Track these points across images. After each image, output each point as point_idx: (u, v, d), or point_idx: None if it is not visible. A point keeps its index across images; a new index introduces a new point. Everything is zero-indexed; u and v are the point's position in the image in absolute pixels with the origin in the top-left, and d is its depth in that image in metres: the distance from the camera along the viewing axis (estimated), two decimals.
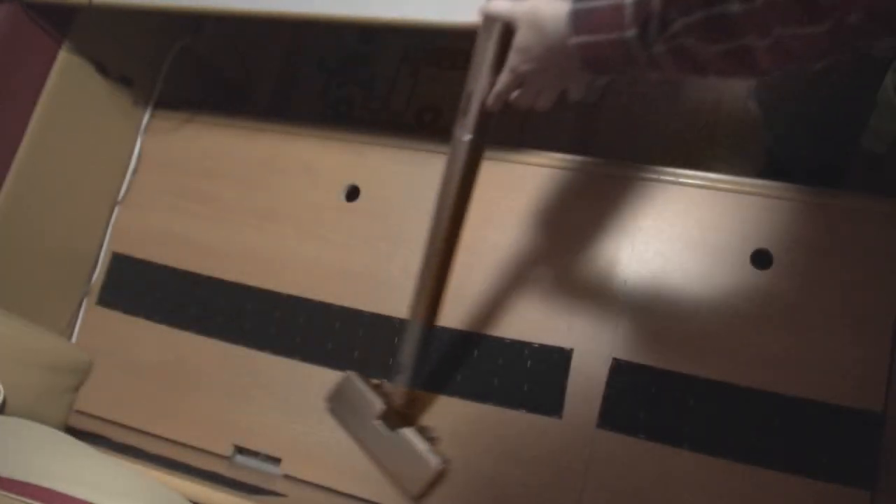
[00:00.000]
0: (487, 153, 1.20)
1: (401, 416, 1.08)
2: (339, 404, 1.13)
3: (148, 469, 0.94)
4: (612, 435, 1.03)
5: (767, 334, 1.01)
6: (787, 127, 1.09)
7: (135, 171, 1.42)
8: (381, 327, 1.17)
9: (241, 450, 1.21)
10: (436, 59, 1.79)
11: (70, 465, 0.80)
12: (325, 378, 1.17)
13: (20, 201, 1.23)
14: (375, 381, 1.12)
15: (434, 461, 1.04)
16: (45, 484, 0.72)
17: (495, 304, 1.13)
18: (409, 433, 1.06)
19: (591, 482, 1.02)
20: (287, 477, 1.16)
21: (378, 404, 1.08)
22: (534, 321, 1.11)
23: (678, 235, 1.09)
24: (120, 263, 1.38)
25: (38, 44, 1.23)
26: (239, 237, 1.30)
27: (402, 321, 1.16)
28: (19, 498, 0.70)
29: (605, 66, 0.69)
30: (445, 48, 1.79)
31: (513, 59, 0.77)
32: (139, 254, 1.36)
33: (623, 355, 1.06)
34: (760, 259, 1.04)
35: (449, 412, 1.11)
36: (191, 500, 0.88)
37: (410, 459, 1.05)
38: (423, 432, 1.08)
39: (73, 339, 1.36)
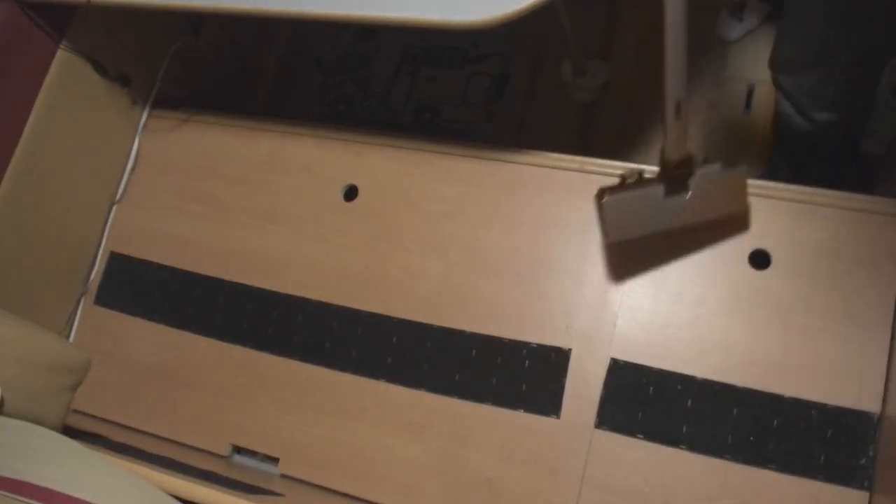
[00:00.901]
0: (487, 153, 1.21)
1: (678, 169, 0.99)
2: (621, 226, 1.04)
3: (145, 469, 0.94)
4: (610, 435, 1.03)
5: (765, 335, 1.01)
6: (808, 99, 1.09)
7: (133, 170, 1.42)
8: (380, 327, 1.17)
9: (238, 449, 1.21)
10: (434, 59, 1.79)
11: (65, 466, 0.80)
12: (324, 378, 1.17)
13: (18, 200, 1.23)
14: (623, 175, 1.04)
15: (735, 172, 1.00)
16: (42, 485, 0.72)
17: (494, 304, 1.13)
18: (698, 179, 0.99)
19: (588, 482, 1.02)
20: (285, 476, 1.16)
21: (656, 186, 1.00)
22: (532, 321, 1.11)
23: (676, 235, 1.09)
24: (118, 263, 1.38)
25: (36, 43, 1.22)
26: (237, 237, 1.30)
27: (400, 320, 1.16)
28: (18, 497, 0.70)
29: None
30: (444, 47, 1.79)
31: None
32: (137, 253, 1.36)
33: (621, 355, 1.06)
34: (759, 259, 1.05)
35: (447, 412, 1.11)
36: (188, 500, 0.87)
37: (718, 192, 1.00)
38: (703, 164, 1.00)
39: (71, 339, 1.35)
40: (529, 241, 1.14)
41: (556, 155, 1.18)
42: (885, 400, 0.94)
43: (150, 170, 1.41)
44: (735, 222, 1.04)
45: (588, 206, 1.13)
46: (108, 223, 1.40)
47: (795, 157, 1.23)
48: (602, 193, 1.01)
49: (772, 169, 1.32)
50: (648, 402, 1.03)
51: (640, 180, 1.02)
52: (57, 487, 0.72)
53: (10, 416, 0.94)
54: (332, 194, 1.27)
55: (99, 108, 1.36)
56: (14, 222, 1.23)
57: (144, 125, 1.44)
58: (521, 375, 1.09)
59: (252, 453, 1.20)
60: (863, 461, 0.93)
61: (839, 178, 1.25)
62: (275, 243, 1.27)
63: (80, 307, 1.37)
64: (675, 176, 0.99)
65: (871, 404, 0.95)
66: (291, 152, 1.32)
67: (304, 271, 1.24)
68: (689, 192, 0.99)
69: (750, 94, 1.53)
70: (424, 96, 1.77)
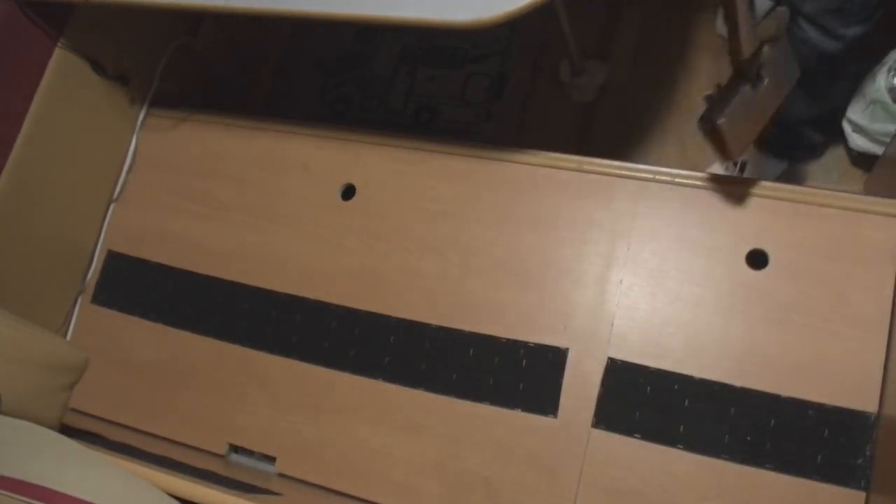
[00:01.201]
0: (486, 153, 1.21)
1: (751, 61, 0.98)
2: (738, 140, 1.02)
3: (143, 468, 0.94)
4: (608, 434, 1.03)
5: (762, 335, 1.01)
6: (836, 18, 1.09)
7: (130, 169, 1.42)
8: (378, 326, 1.17)
9: (236, 448, 1.21)
10: (433, 59, 1.79)
11: (63, 465, 0.80)
12: (322, 377, 1.17)
13: (16, 199, 1.23)
14: (708, 94, 1.03)
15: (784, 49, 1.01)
16: (41, 483, 0.72)
17: (492, 304, 1.13)
18: (768, 64, 0.99)
19: (586, 481, 1.02)
20: (282, 475, 1.16)
21: (743, 87, 0.99)
22: (530, 320, 1.11)
23: (674, 235, 1.09)
24: (115, 261, 1.38)
25: (34, 41, 1.22)
26: (235, 236, 1.30)
27: (398, 320, 1.16)
28: (17, 496, 0.70)
29: None
30: (443, 47, 1.79)
31: None
32: (135, 252, 1.36)
33: (618, 355, 1.06)
34: (756, 259, 1.05)
35: (445, 412, 1.11)
36: (186, 499, 0.87)
37: (780, 70, 1.01)
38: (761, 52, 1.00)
39: (68, 338, 1.35)
40: (527, 241, 1.14)
41: (555, 155, 1.18)
42: (882, 399, 0.95)
43: (148, 169, 1.41)
44: None
45: (587, 206, 1.13)
46: (106, 222, 1.40)
47: (812, 83, 1.21)
48: (708, 118, 0.99)
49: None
50: (646, 401, 1.03)
51: (722, 90, 1.01)
52: (56, 486, 0.72)
53: (7, 414, 0.94)
54: (329, 193, 1.27)
55: (97, 106, 1.36)
56: (12, 221, 1.23)
57: (142, 124, 1.44)
58: (519, 375, 1.09)
59: (250, 452, 1.20)
60: (860, 461, 0.93)
61: (849, 95, 1.27)
62: (273, 242, 1.27)
63: (78, 306, 1.37)
64: (751, 69, 0.99)
65: (868, 404, 0.95)
66: (289, 151, 1.32)
67: (302, 270, 1.24)
68: (766, 79, 0.99)
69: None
70: (424, 96, 1.77)
